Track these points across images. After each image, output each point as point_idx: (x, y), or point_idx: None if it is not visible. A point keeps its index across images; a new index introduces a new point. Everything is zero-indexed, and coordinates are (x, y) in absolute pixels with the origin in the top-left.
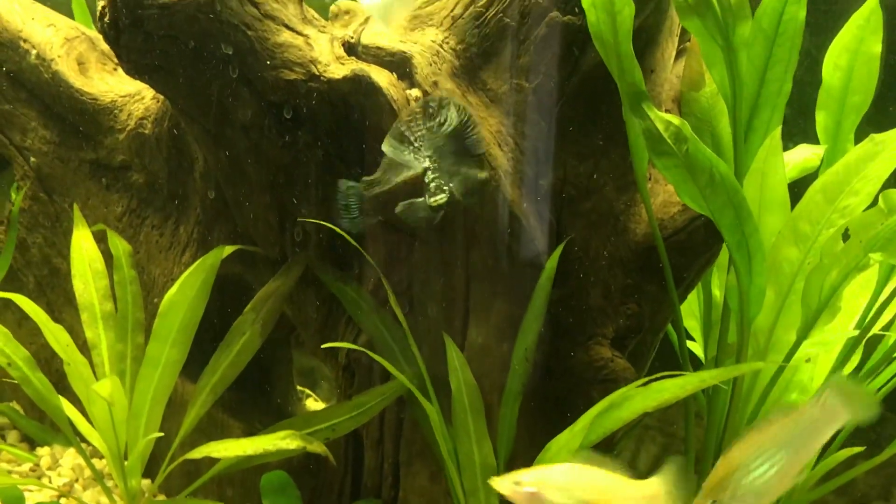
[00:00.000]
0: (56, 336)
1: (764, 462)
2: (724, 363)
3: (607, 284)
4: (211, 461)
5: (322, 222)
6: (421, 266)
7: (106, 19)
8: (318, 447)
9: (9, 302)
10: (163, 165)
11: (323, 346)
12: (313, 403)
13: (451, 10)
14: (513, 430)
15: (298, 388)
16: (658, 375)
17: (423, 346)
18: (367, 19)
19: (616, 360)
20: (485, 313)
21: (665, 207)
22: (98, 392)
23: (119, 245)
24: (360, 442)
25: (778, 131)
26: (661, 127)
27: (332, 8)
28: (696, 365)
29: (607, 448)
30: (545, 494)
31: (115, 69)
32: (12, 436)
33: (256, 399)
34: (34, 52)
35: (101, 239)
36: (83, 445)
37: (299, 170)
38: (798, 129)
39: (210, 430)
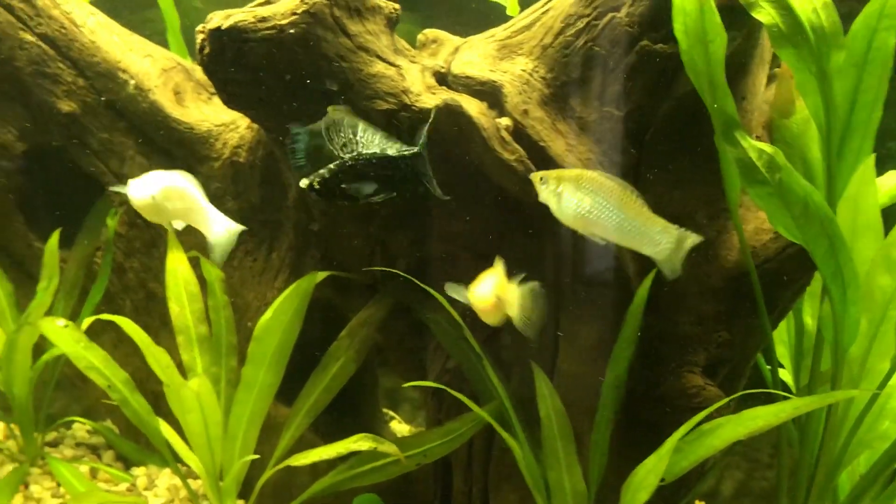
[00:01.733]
0: (157, 358)
1: None
2: (816, 391)
3: (699, 312)
4: (304, 485)
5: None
6: None
7: (206, 52)
8: (388, 447)
9: (106, 325)
10: (256, 193)
11: (410, 385)
12: (397, 426)
13: (541, 40)
14: (604, 458)
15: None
16: (745, 393)
17: (513, 372)
18: (456, 49)
19: (708, 387)
20: (574, 340)
21: (757, 235)
22: (189, 387)
23: (212, 271)
24: (449, 465)
25: (871, 159)
26: (754, 155)
27: (420, 37)
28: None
29: (699, 476)
30: None
31: (209, 98)
32: (108, 455)
33: (345, 422)
34: (132, 82)
35: (196, 264)
36: (179, 466)
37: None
38: (887, 153)
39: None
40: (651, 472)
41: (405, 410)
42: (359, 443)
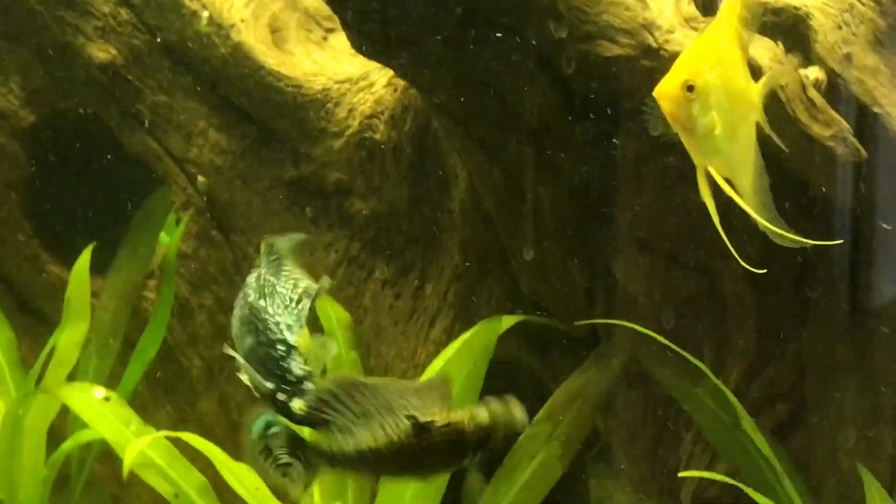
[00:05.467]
0: (239, 478)
1: None
2: None
3: None
4: None
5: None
6: (818, 356)
7: None
8: None
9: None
10: (402, 190)
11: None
12: None
13: None
14: None
15: None
16: None
17: (823, 484)
18: None
19: None
20: None
21: None
22: None
23: (332, 314)
24: None
25: None
26: None
27: None
28: None
29: None
30: None
31: (325, 38)
32: None
33: None
34: (205, 13)
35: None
36: None
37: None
38: None
39: None
40: None
41: None
42: None
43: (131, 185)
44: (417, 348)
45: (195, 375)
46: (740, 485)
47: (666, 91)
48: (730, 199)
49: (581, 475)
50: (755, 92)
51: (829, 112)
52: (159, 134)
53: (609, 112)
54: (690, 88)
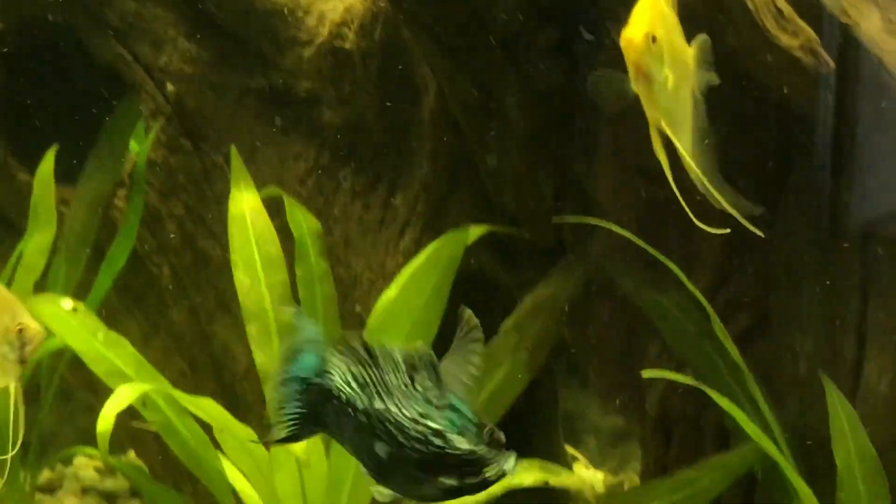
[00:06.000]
0: (207, 411)
1: None
2: None
3: None
4: None
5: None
6: (784, 266)
7: None
8: (569, 480)
9: (134, 305)
10: (372, 99)
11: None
12: (582, 470)
13: None
14: None
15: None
16: None
17: (785, 392)
18: None
19: None
20: (892, 345)
21: None
22: (289, 449)
23: (303, 222)
24: None
25: None
26: None
27: None
28: None
29: None
30: None
31: None
32: None
33: None
34: None
35: (274, 211)
36: None
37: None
38: None
39: None
40: None
41: (591, 448)
42: (525, 474)
43: (101, 94)
44: (386, 259)
45: (165, 284)
46: (703, 386)
47: (633, 38)
48: None
49: (550, 386)
50: (689, 54)
51: (797, 21)
52: (129, 42)
53: (577, 20)
54: (654, 40)
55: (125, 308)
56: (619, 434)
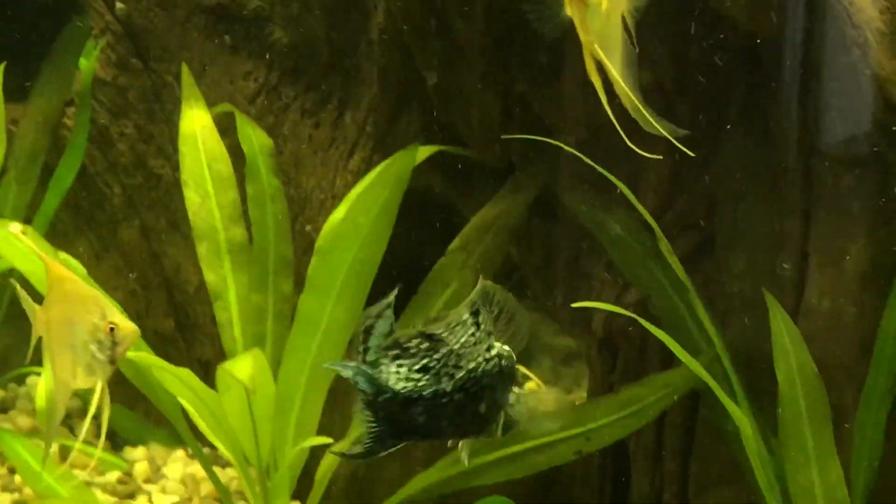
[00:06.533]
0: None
1: None
2: None
3: None
4: (395, 480)
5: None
6: (728, 187)
7: None
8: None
9: (85, 225)
10: (321, 18)
11: (573, 306)
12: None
13: None
14: (878, 448)
15: None
16: None
17: (729, 311)
18: None
19: None
20: (833, 264)
21: None
22: (234, 375)
23: (254, 138)
24: (625, 457)
25: None
26: None
27: None
28: None
29: None
30: None
31: None
32: (86, 428)
33: None
34: None
35: (225, 130)
36: (201, 447)
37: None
38: None
39: None
40: None
41: (544, 368)
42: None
43: (50, 11)
44: (336, 178)
45: (116, 204)
46: (638, 318)
47: None
48: None
49: None
50: None
51: None
52: None
53: None
54: None
55: (76, 227)
56: (573, 354)
